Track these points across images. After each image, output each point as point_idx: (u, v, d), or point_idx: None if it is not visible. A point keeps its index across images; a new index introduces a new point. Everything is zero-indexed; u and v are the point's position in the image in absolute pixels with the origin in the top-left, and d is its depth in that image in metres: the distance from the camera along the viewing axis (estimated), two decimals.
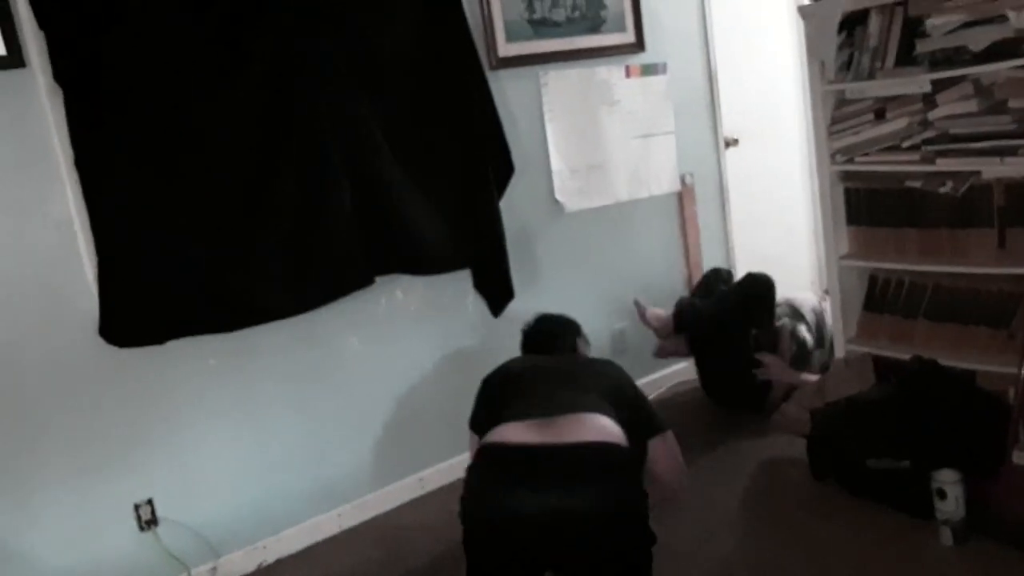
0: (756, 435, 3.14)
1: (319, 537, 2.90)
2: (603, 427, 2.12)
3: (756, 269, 3.98)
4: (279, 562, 2.80)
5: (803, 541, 2.49)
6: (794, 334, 3.50)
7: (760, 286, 3.41)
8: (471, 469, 2.18)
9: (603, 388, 2.31)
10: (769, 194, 4.39)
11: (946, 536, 2.35)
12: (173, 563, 2.59)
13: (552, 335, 2.73)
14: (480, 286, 3.20)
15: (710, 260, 4.02)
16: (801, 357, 3.45)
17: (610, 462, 2.08)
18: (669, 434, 2.40)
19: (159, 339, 2.53)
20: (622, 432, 2.14)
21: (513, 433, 2.14)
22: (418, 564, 2.31)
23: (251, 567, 2.76)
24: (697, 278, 3.98)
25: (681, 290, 3.94)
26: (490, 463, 2.14)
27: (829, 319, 3.56)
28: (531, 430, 2.13)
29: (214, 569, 2.69)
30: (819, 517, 2.59)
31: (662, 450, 2.36)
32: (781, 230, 4.50)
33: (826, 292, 3.64)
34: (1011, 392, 2.65)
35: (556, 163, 3.43)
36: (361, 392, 2.98)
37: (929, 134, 2.73)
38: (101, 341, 2.46)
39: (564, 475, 2.03)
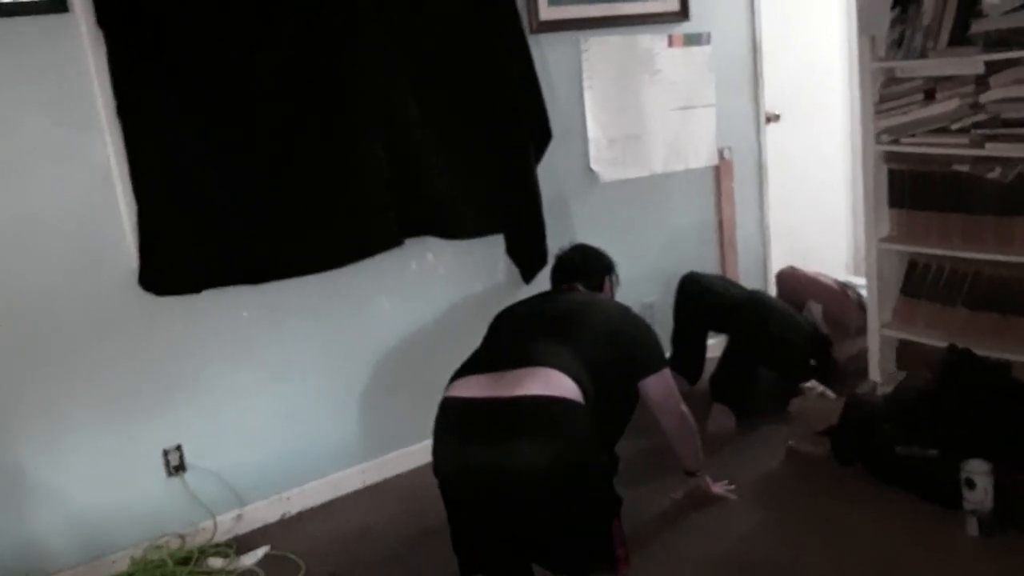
0: (780, 419, 3.11)
1: (342, 492, 2.93)
2: (551, 381, 2.08)
3: (786, 248, 3.95)
4: (302, 513, 2.84)
5: (825, 523, 2.47)
6: (862, 303, 3.42)
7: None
8: (435, 421, 2.21)
9: (590, 336, 2.29)
10: (808, 173, 4.32)
11: (972, 526, 2.32)
12: (199, 508, 2.64)
13: (580, 268, 2.71)
14: (512, 252, 3.19)
15: (745, 237, 3.97)
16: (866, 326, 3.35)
17: (551, 416, 2.05)
18: (663, 372, 2.42)
19: (195, 288, 2.55)
20: (575, 387, 2.09)
21: (465, 387, 2.17)
22: (435, 522, 2.33)
23: (275, 517, 2.80)
24: (731, 256, 3.94)
25: (714, 267, 3.90)
26: (441, 418, 2.17)
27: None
28: (482, 384, 2.14)
29: (239, 516, 2.73)
30: (842, 502, 2.56)
31: (653, 387, 2.40)
32: (818, 210, 4.44)
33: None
34: None
35: (593, 132, 3.39)
36: (388, 352, 3.00)
37: (980, 117, 2.66)
38: (136, 289, 2.49)
39: (502, 429, 2.03)
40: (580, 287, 2.63)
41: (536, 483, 1.99)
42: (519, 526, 2.08)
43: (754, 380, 3.23)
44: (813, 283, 3.62)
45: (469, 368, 2.27)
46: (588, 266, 2.73)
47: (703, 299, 3.38)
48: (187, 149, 2.48)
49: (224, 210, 2.55)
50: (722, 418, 3.13)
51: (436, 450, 2.17)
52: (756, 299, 3.38)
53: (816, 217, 4.42)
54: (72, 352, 2.43)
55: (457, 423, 2.14)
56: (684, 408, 2.51)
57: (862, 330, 3.38)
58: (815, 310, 3.41)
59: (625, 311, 2.51)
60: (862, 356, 3.35)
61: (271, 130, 2.59)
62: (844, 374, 3.36)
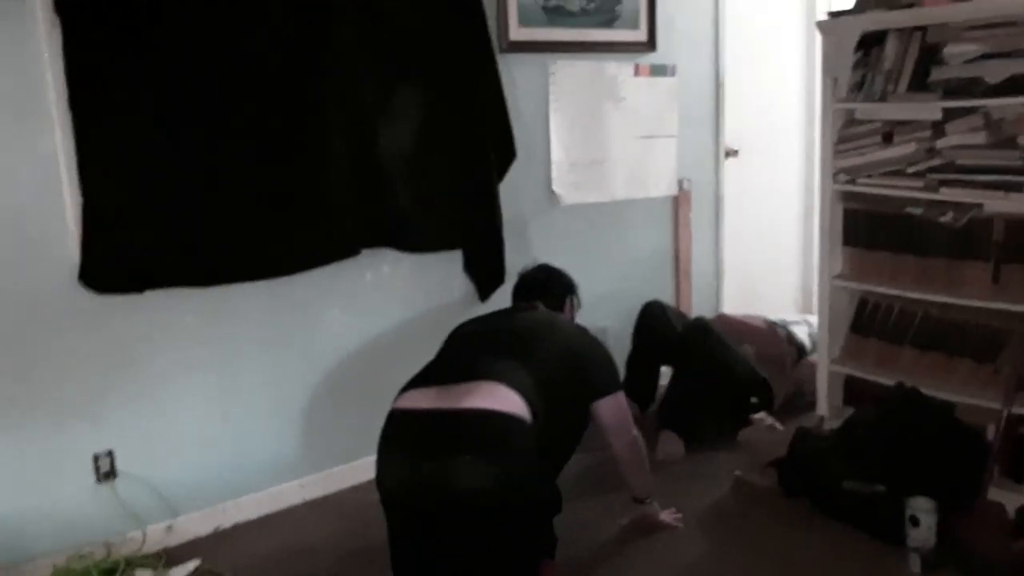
0: (728, 449, 3.11)
1: (280, 506, 2.84)
2: (497, 395, 2.05)
3: (737, 283, 4.02)
4: (237, 527, 2.74)
5: (771, 556, 2.47)
6: (791, 338, 3.56)
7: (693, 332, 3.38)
8: (380, 434, 2.16)
9: (545, 355, 2.26)
10: (761, 209, 4.38)
11: (915, 563, 2.34)
12: (128, 517, 2.52)
13: (542, 287, 2.71)
14: (470, 269, 3.16)
15: (699, 268, 4.01)
16: (800, 359, 3.51)
17: (495, 431, 2.01)
18: (618, 395, 2.41)
19: (138, 287, 2.47)
20: (523, 403, 2.06)
21: (411, 399, 2.13)
22: (377, 541, 2.26)
23: (208, 529, 2.69)
24: (685, 286, 3.97)
25: (668, 296, 3.91)
26: (386, 430, 2.13)
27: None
28: (428, 397, 2.10)
29: (170, 528, 2.62)
30: (788, 534, 2.57)
31: (606, 410, 2.39)
32: (770, 246, 4.49)
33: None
34: (990, 428, 2.66)
35: (557, 154, 3.39)
36: (337, 364, 2.93)
37: (935, 162, 2.72)
38: (77, 285, 2.39)
39: (444, 442, 1.99)
40: (540, 306, 2.61)
41: (475, 501, 1.95)
42: (452, 549, 2.02)
43: (701, 408, 3.24)
44: (742, 326, 3.70)
45: (418, 380, 2.22)
46: (550, 285, 2.71)
47: (662, 331, 3.41)
48: (139, 145, 2.41)
49: (174, 209, 2.47)
50: (670, 445, 3.13)
51: (379, 463, 2.12)
52: (701, 325, 3.45)
53: (768, 252, 4.47)
54: (4, 347, 2.31)
55: (399, 435, 2.10)
56: (636, 432, 2.51)
57: (795, 364, 3.50)
58: (748, 352, 3.47)
59: (583, 332, 2.49)
60: (801, 390, 3.45)
61: (229, 131, 2.53)
62: (789, 406, 3.43)
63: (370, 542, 2.48)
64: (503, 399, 2.05)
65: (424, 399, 2.11)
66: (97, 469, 2.49)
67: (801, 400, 3.49)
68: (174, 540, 2.62)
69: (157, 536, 2.59)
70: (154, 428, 2.58)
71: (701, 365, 3.27)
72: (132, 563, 2.45)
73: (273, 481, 2.83)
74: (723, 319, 3.76)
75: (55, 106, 2.31)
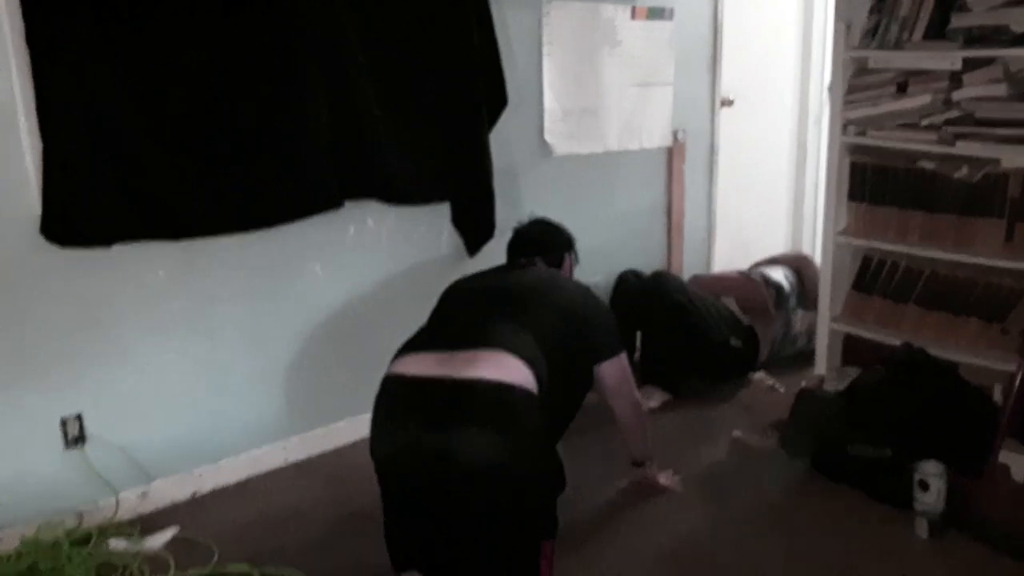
0: (729, 406, 3.04)
1: (261, 469, 2.71)
2: (504, 365, 1.93)
3: (729, 236, 3.94)
4: (215, 492, 2.61)
5: (772, 518, 2.41)
6: (767, 280, 3.53)
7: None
8: (375, 400, 2.03)
9: (547, 316, 2.15)
10: (755, 161, 4.26)
11: (922, 528, 2.29)
12: (100, 484, 2.37)
13: (539, 243, 2.56)
14: (459, 222, 3.01)
15: (692, 220, 3.90)
16: (780, 300, 3.47)
17: (503, 405, 1.91)
18: (619, 358, 2.33)
19: (105, 241, 2.28)
20: (530, 374, 1.95)
21: (411, 364, 2.00)
22: (365, 506, 2.16)
23: (185, 495, 2.56)
24: (677, 240, 3.86)
25: (660, 250, 3.81)
26: (384, 395, 2.00)
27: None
28: (430, 363, 1.97)
29: (144, 494, 2.48)
30: (789, 496, 2.51)
31: (609, 372, 2.31)
32: (762, 199, 4.39)
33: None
34: (996, 388, 2.61)
35: (549, 102, 3.22)
36: (319, 322, 2.78)
37: (951, 114, 2.61)
38: (38, 238, 2.20)
39: (450, 413, 1.88)
40: (539, 262, 2.47)
41: (479, 475, 1.84)
42: (451, 523, 1.92)
43: (674, 358, 3.22)
44: (718, 281, 3.66)
45: (416, 344, 2.08)
46: (548, 241, 2.57)
47: (628, 295, 3.37)
48: (104, 85, 2.20)
49: (143, 154, 2.28)
50: (654, 396, 3.10)
51: (374, 430, 1.99)
52: (657, 279, 3.40)
53: (760, 205, 4.38)
54: None
55: (400, 403, 1.96)
56: (638, 395, 2.45)
57: (777, 305, 3.47)
58: (730, 304, 3.43)
59: (586, 291, 2.37)
60: (793, 334, 3.46)
61: (204, 72, 2.34)
62: (778, 356, 3.43)
63: (357, 507, 2.39)
64: (509, 369, 1.93)
65: (425, 365, 1.97)
66: (65, 434, 2.33)
67: (791, 348, 3.48)
68: (149, 507, 2.48)
69: (131, 503, 2.44)
70: (125, 390, 2.42)
71: (664, 316, 3.22)
72: (106, 532, 2.31)
73: (253, 444, 2.69)
74: (697, 280, 3.71)
75: (10, 41, 2.10)
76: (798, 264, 3.72)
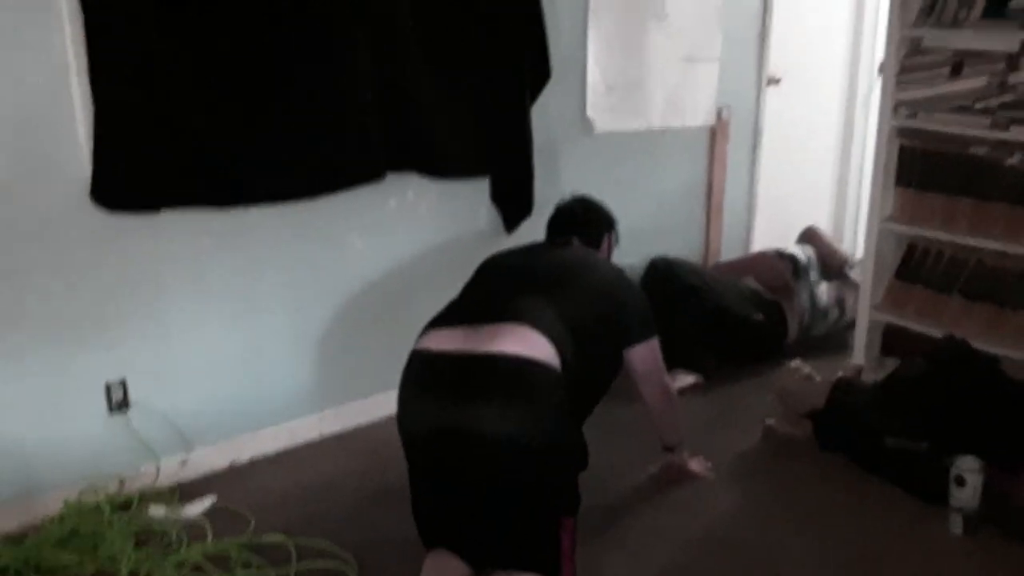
0: (763, 394, 3.01)
1: (298, 441, 2.75)
2: (527, 341, 1.92)
3: (768, 219, 3.89)
4: (253, 462, 2.65)
5: (803, 508, 2.39)
6: (781, 253, 3.51)
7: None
8: (401, 375, 2.05)
9: (577, 296, 2.13)
10: (799, 142, 4.18)
11: (956, 524, 2.25)
12: (142, 450, 2.42)
13: (579, 222, 2.53)
14: (497, 198, 3.00)
15: (732, 203, 3.84)
16: (798, 271, 3.44)
17: (525, 380, 1.90)
18: (650, 342, 2.30)
19: (154, 206, 2.31)
20: (553, 350, 1.93)
21: (436, 340, 2.00)
22: (397, 480, 2.18)
23: (223, 463, 2.60)
24: (716, 222, 3.81)
25: (699, 231, 3.76)
26: (409, 370, 2.01)
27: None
28: (455, 337, 1.97)
29: (184, 462, 2.53)
30: (822, 487, 2.48)
31: (639, 356, 2.28)
32: (805, 182, 4.31)
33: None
34: None
35: (593, 76, 3.18)
36: (358, 294, 2.80)
37: (1007, 98, 2.53)
38: (89, 203, 2.23)
39: (470, 387, 1.88)
40: (576, 242, 2.46)
41: (500, 449, 1.84)
42: (473, 497, 1.92)
43: (690, 339, 3.17)
44: (734, 266, 3.65)
45: (443, 319, 2.09)
46: (588, 220, 2.54)
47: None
48: (155, 51, 2.21)
49: (191, 122, 2.29)
50: (681, 379, 3.06)
51: (401, 405, 2.01)
52: (660, 264, 3.37)
53: (803, 188, 4.30)
54: (9, 269, 2.16)
55: (423, 377, 1.98)
56: (668, 380, 2.42)
57: (795, 277, 3.44)
58: (751, 284, 3.43)
59: (619, 273, 2.35)
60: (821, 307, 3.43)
61: (252, 42, 2.34)
62: (810, 333, 3.41)
63: (389, 482, 2.41)
64: (533, 345, 1.92)
65: (450, 340, 1.98)
66: (110, 399, 2.38)
67: (824, 324, 3.45)
68: (189, 474, 2.53)
69: (171, 470, 2.50)
70: (169, 357, 2.46)
71: (681, 299, 3.21)
72: (146, 497, 2.36)
73: (291, 415, 2.73)
74: (715, 267, 3.69)
75: (66, 7, 2.11)
76: (807, 237, 3.68)
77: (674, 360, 3.16)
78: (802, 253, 3.53)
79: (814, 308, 3.43)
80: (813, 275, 3.48)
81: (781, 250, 3.56)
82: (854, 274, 3.49)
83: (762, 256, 3.59)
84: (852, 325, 3.25)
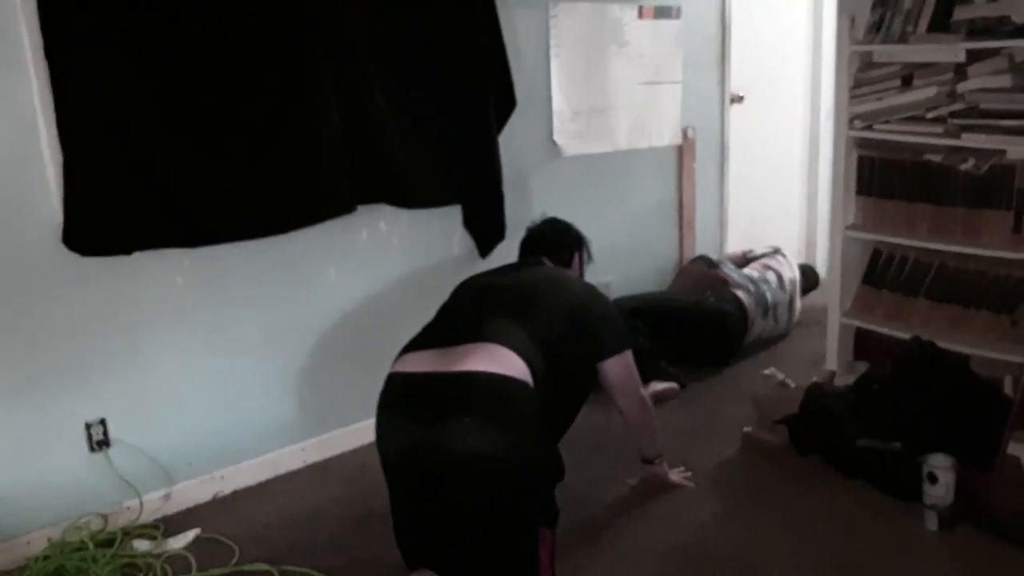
0: (737, 402, 3.06)
1: (280, 471, 2.77)
2: (497, 358, 1.97)
3: (741, 232, 4.05)
4: (236, 494, 2.67)
5: (783, 514, 2.42)
6: (741, 273, 3.65)
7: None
8: (378, 399, 2.09)
9: (548, 313, 2.18)
10: (767, 157, 4.27)
11: (931, 521, 2.29)
12: (124, 487, 2.44)
13: (549, 242, 2.60)
14: (470, 224, 3.05)
15: (703, 219, 3.91)
16: (759, 289, 3.58)
17: (495, 395, 1.94)
18: (625, 354, 2.34)
19: (126, 249, 2.35)
20: (524, 366, 1.98)
21: (410, 363, 2.06)
22: (381, 506, 2.20)
23: (206, 496, 2.62)
24: (689, 237, 3.88)
25: (672, 247, 3.82)
26: (385, 393, 2.07)
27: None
28: (427, 360, 2.03)
29: (167, 496, 2.54)
30: (800, 492, 2.52)
31: (613, 369, 2.31)
32: (774, 196, 4.39)
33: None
34: (1007, 380, 2.60)
35: (558, 103, 3.26)
36: (334, 325, 2.83)
37: (957, 107, 2.61)
38: (62, 248, 2.26)
39: (442, 406, 1.92)
40: (546, 261, 2.51)
41: (473, 464, 1.88)
42: (450, 513, 1.95)
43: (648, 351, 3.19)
44: (686, 282, 3.78)
45: (417, 342, 2.14)
46: (557, 240, 2.61)
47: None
48: (121, 96, 2.26)
49: (160, 165, 2.34)
50: (656, 388, 3.08)
51: (377, 426, 2.06)
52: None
53: (771, 202, 4.38)
54: None
55: (397, 399, 2.03)
56: (644, 392, 2.45)
57: (713, 265, 3.66)
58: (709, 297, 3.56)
59: (589, 288, 2.40)
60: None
61: (217, 83, 2.39)
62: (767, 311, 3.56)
63: (372, 507, 2.42)
64: (503, 361, 1.97)
65: (423, 362, 2.03)
66: (90, 438, 2.40)
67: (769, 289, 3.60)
68: (172, 508, 2.55)
69: (155, 505, 2.51)
70: (147, 394, 2.48)
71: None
72: (130, 533, 2.38)
73: (272, 446, 2.75)
74: (675, 283, 3.83)
75: (29, 52, 2.16)
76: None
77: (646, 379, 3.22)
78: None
79: (751, 281, 3.56)
80: (728, 265, 3.66)
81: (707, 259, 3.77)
82: (762, 249, 3.82)
83: (680, 272, 3.79)
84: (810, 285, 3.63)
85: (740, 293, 3.48)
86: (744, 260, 3.83)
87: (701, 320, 3.37)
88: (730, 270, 3.62)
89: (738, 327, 3.41)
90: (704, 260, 3.73)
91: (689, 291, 3.56)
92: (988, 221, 2.64)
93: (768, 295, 3.56)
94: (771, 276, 3.64)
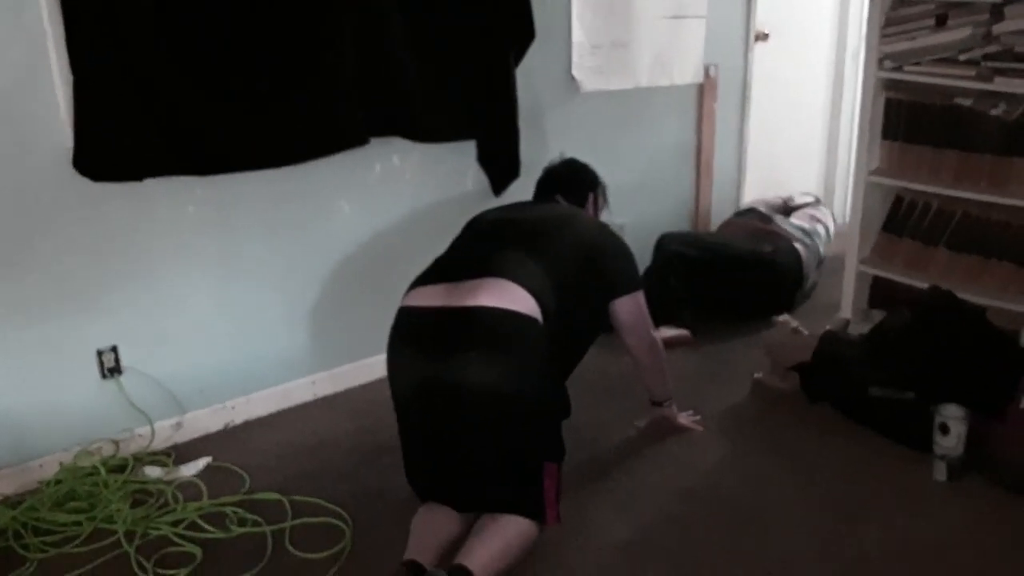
0: (751, 348, 3.04)
1: (291, 403, 2.78)
2: (507, 293, 1.95)
3: (759, 178, 3.95)
4: (247, 424, 2.68)
5: (791, 459, 2.42)
6: (792, 223, 3.58)
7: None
8: (389, 333, 2.08)
9: (560, 249, 2.15)
10: (789, 98, 4.15)
11: (940, 471, 2.29)
12: (136, 414, 2.46)
13: (564, 181, 2.57)
14: (484, 160, 3.00)
15: (721, 160, 3.83)
16: (813, 240, 3.53)
17: (503, 330, 1.93)
18: (637, 294, 2.32)
19: (136, 175, 2.31)
20: (533, 302, 1.97)
21: (419, 297, 2.04)
22: (386, 438, 2.22)
23: (217, 426, 2.64)
24: (706, 180, 3.81)
25: (688, 191, 3.76)
26: (395, 327, 2.05)
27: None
28: (437, 294, 2.01)
29: (178, 424, 2.56)
30: (809, 439, 2.51)
31: (624, 309, 2.30)
32: (794, 139, 4.29)
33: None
34: (1023, 332, 2.57)
35: (578, 35, 3.16)
36: (346, 258, 2.81)
37: (991, 49, 2.52)
38: (71, 172, 2.23)
39: (451, 340, 1.92)
40: (561, 200, 2.47)
41: (481, 397, 1.88)
42: (459, 446, 1.96)
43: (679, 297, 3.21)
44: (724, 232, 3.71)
45: (427, 276, 2.12)
46: (572, 179, 2.56)
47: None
48: (134, 17, 2.20)
49: (173, 89, 2.29)
50: (670, 331, 3.04)
51: (388, 360, 2.06)
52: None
53: (793, 145, 4.28)
54: None
55: (407, 332, 2.02)
56: (655, 334, 2.43)
57: (766, 220, 3.56)
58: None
59: (602, 227, 2.36)
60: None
61: (231, 12, 2.32)
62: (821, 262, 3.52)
63: (381, 441, 2.44)
64: (512, 297, 1.95)
65: (433, 296, 2.02)
66: (101, 364, 2.40)
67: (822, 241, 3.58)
68: (183, 437, 2.57)
69: (166, 433, 2.53)
70: (159, 323, 2.48)
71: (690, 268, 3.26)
72: (141, 460, 2.40)
73: (283, 378, 2.76)
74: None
75: None
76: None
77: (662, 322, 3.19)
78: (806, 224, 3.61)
79: (805, 233, 3.50)
80: (778, 216, 3.58)
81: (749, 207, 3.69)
82: (803, 199, 3.75)
83: (728, 223, 3.67)
84: None
85: (798, 246, 3.39)
86: (786, 208, 3.73)
87: (757, 269, 3.26)
88: (784, 223, 3.52)
89: (796, 279, 3.34)
90: (756, 213, 3.61)
91: (743, 238, 3.44)
92: (1016, 170, 2.58)
93: (820, 248, 3.51)
94: (820, 228, 3.57)
